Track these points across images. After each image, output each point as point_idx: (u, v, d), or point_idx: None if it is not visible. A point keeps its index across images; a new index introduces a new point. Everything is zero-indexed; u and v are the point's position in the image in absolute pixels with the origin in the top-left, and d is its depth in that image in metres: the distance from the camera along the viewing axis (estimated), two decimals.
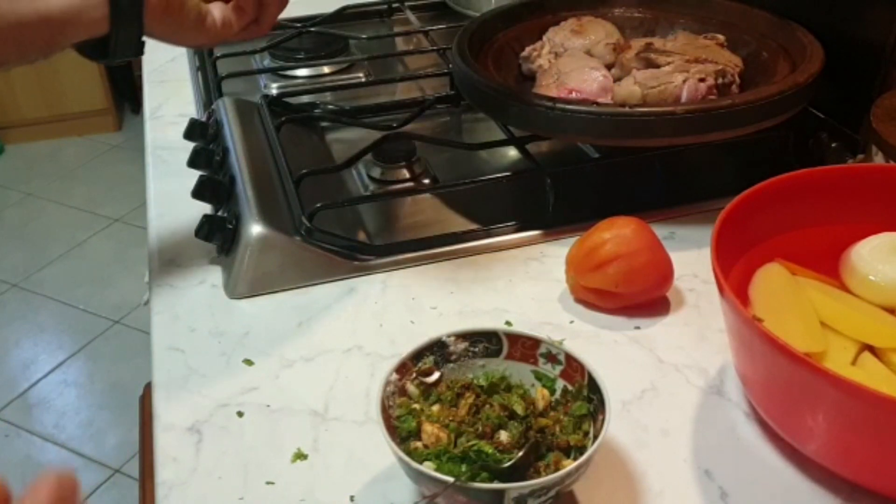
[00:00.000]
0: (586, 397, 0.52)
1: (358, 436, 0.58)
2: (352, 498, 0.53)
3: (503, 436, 0.50)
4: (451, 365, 0.56)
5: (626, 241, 0.66)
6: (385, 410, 0.51)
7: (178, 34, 0.66)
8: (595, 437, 0.50)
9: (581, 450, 0.50)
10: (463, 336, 0.56)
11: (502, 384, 0.54)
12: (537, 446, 0.50)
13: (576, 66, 0.85)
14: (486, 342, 0.56)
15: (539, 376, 0.55)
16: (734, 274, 0.59)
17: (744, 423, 0.58)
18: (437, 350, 0.55)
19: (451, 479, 0.46)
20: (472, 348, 0.56)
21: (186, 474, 0.55)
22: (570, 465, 0.48)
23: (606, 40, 0.91)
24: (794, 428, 0.53)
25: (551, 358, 0.55)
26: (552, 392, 0.54)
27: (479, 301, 0.70)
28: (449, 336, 0.56)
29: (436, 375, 0.55)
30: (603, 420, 0.50)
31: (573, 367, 0.54)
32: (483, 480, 0.47)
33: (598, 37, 0.92)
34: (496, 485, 0.47)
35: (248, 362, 0.64)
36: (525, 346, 0.56)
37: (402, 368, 0.54)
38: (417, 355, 0.55)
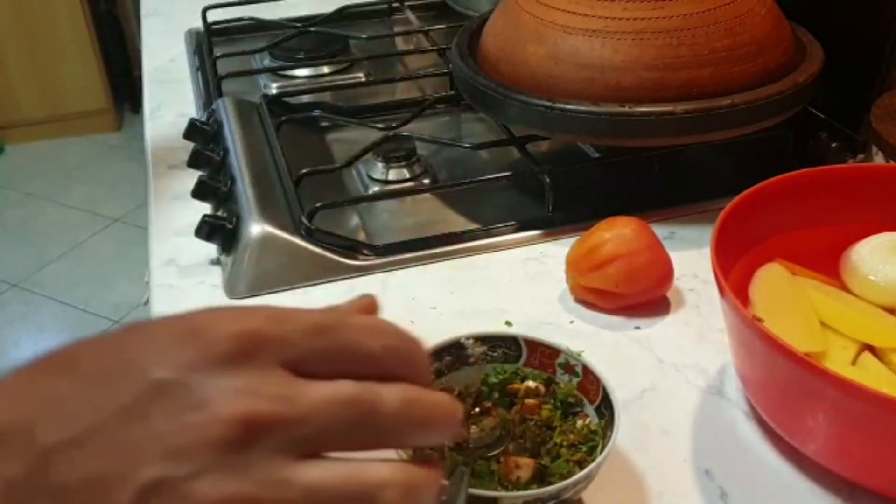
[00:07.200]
0: (598, 411, 0.52)
1: None
2: None
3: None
4: (468, 368, 0.55)
5: (626, 241, 0.66)
6: None
7: None
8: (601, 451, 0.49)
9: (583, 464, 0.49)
10: (482, 339, 0.55)
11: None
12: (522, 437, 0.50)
13: None
14: (505, 348, 0.55)
15: None
16: (734, 274, 0.59)
17: (744, 423, 0.58)
18: (454, 351, 0.54)
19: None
20: (490, 353, 0.55)
21: None
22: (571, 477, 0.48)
23: None
24: (793, 428, 0.53)
25: (569, 369, 0.54)
26: None
27: (479, 301, 0.70)
28: (468, 338, 0.55)
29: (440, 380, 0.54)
30: (610, 436, 0.49)
31: (589, 381, 0.53)
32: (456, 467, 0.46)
33: None
34: (490, 492, 0.46)
35: None
36: (544, 355, 0.55)
37: None
38: (435, 354, 0.53)
